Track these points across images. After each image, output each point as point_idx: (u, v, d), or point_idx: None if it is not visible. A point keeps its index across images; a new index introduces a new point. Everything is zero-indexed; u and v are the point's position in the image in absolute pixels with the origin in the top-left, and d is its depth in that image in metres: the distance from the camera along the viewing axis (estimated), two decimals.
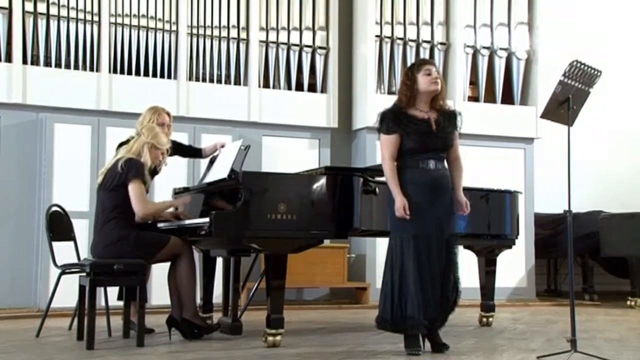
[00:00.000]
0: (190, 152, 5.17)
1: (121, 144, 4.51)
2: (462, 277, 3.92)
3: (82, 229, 5.23)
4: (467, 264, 5.88)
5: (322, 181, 3.96)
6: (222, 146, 4.85)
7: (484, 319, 5.11)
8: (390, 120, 3.77)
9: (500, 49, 7.31)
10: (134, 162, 4.13)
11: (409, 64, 6.97)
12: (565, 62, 3.69)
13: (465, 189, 4.33)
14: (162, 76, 6.40)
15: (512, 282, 7.16)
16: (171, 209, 4.43)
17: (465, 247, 5.20)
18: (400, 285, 3.69)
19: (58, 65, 6.09)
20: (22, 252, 5.87)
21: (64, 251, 4.44)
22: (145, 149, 4.22)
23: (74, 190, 5.79)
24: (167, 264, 4.31)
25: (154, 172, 4.56)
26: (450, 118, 3.85)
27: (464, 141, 4.17)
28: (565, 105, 3.68)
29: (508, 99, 7.39)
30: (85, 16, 6.17)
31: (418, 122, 3.76)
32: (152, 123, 4.50)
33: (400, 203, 3.68)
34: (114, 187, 4.10)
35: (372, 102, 6.83)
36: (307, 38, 6.91)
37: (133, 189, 4.06)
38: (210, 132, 6.37)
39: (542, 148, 7.58)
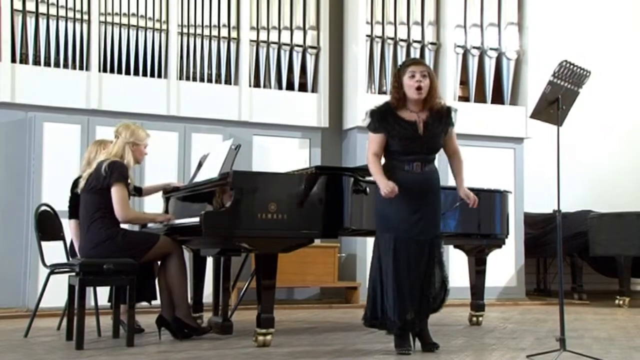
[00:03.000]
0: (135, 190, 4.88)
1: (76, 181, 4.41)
2: (452, 277, 3.93)
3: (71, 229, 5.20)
4: (457, 263, 5.92)
5: (313, 181, 3.95)
6: (172, 186, 4.80)
7: (474, 318, 5.12)
8: (377, 120, 3.74)
9: (491, 49, 7.33)
10: (118, 165, 4.08)
11: (399, 64, 7.06)
12: (554, 62, 3.70)
13: (456, 189, 4.33)
14: (152, 75, 6.38)
15: (502, 281, 7.19)
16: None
17: (455, 246, 5.21)
18: (382, 286, 3.71)
19: (47, 64, 6.06)
20: (11, 251, 5.84)
21: (53, 251, 4.41)
22: (127, 149, 4.19)
23: (63, 190, 5.69)
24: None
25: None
26: (441, 117, 3.76)
27: None
28: (554, 105, 3.69)
29: (498, 99, 7.41)
30: (74, 15, 6.14)
31: (404, 125, 3.69)
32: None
33: (385, 186, 3.57)
34: (98, 189, 4.05)
35: (363, 102, 6.83)
36: (298, 37, 6.91)
37: (116, 192, 4.02)
38: (200, 131, 6.37)
39: (532, 148, 7.62)
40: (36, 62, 6.05)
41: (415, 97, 3.70)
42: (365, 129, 6.80)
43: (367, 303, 3.81)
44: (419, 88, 3.68)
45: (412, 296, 3.69)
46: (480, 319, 5.12)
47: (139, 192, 4.75)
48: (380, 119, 3.73)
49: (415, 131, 3.70)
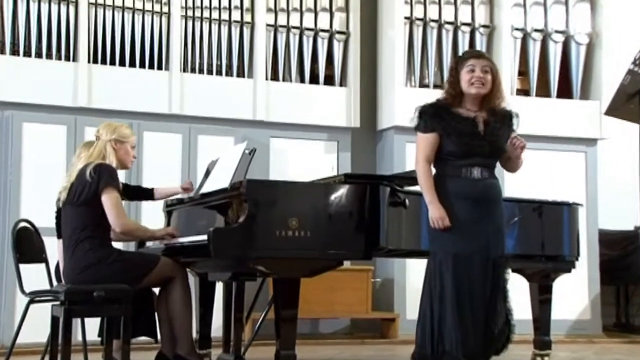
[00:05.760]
0: (138, 193, 4.98)
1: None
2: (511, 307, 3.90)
3: (56, 249, 5.26)
4: (516, 290, 5.85)
5: (342, 191, 3.96)
6: (186, 188, 4.83)
7: (538, 358, 5.08)
8: (429, 117, 3.78)
9: (556, 31, 7.30)
10: (105, 168, 4.09)
11: (445, 52, 7.08)
12: (635, 47, 3.67)
13: (514, 201, 4.30)
14: (151, 67, 6.46)
15: (573, 313, 7.12)
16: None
17: (515, 270, 5.16)
18: (440, 315, 3.69)
19: (27, 53, 6.16)
20: None
21: (34, 275, 4.46)
22: (108, 147, 4.20)
23: (46, 203, 5.77)
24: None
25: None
26: (504, 119, 3.84)
27: None
28: (635, 100, 3.66)
29: (566, 92, 7.38)
30: None
31: (462, 121, 3.76)
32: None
33: (436, 212, 3.69)
34: (85, 200, 4.05)
35: (401, 97, 6.84)
36: (324, 21, 6.94)
37: (108, 198, 4.03)
38: (208, 133, 6.41)
39: (608, 151, 7.55)
40: (14, 52, 6.15)
41: (473, 92, 3.76)
42: (403, 130, 6.78)
43: (417, 337, 3.78)
44: (477, 83, 3.73)
45: (475, 327, 3.68)
46: (546, 358, 5.08)
47: (148, 195, 4.80)
48: (433, 115, 3.78)
49: (475, 127, 3.76)
